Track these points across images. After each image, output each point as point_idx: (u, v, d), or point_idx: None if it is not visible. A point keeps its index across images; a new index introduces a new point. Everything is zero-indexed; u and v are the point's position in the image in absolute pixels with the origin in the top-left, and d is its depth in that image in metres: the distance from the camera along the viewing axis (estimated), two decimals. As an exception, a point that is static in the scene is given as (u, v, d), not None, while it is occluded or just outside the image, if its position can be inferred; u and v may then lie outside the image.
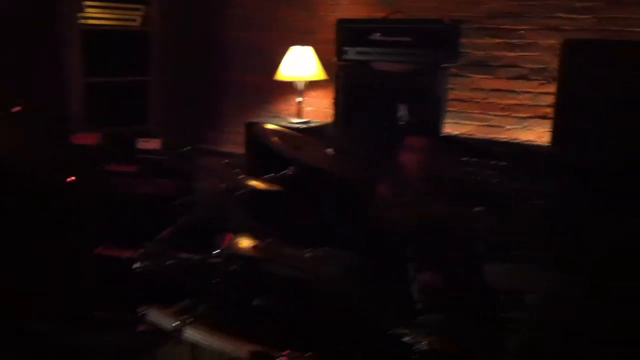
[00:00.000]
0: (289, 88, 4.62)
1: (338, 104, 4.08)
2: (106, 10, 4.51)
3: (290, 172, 2.94)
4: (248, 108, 5.03)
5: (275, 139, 3.00)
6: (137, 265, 2.58)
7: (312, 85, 4.55)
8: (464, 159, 3.61)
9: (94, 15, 4.45)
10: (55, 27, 4.34)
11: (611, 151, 3.05)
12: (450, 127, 4.08)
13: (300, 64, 4.35)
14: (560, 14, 3.76)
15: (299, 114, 4.46)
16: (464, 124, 4.12)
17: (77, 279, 3.73)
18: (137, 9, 4.68)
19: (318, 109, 4.69)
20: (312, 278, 2.68)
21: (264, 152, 3.08)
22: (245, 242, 2.90)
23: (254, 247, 2.86)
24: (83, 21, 4.37)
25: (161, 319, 2.48)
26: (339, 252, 2.92)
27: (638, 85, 2.99)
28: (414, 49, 3.82)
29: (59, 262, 3.63)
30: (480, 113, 4.08)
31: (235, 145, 5.00)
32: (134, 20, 4.67)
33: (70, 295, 3.66)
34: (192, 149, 4.23)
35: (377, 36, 3.95)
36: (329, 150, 3.28)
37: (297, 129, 3.89)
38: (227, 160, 2.87)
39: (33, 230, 3.60)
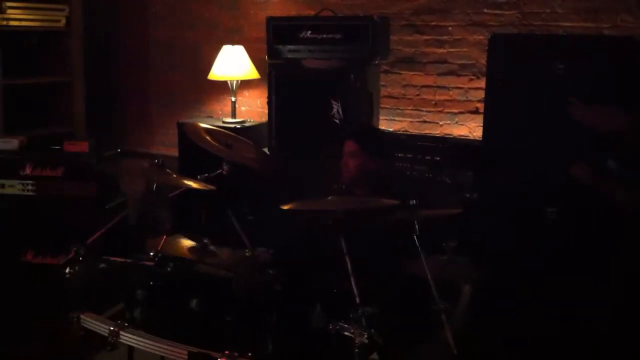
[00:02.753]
0: (222, 87, 4.56)
1: (271, 103, 4.05)
2: (29, 11, 4.36)
3: (224, 172, 2.89)
4: (178, 109, 4.96)
5: (207, 137, 2.95)
6: (67, 271, 2.49)
7: (245, 84, 4.51)
8: (398, 155, 3.66)
9: (16, 17, 4.29)
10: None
11: (537, 143, 3.12)
12: (385, 124, 4.11)
13: (232, 63, 4.30)
14: (486, 10, 3.84)
15: (233, 114, 4.41)
16: (398, 120, 4.16)
17: (6, 288, 3.59)
18: (60, 10, 4.54)
19: (252, 109, 4.65)
20: (245, 278, 2.65)
21: (197, 152, 3.02)
22: (179, 244, 2.84)
23: (189, 249, 2.81)
24: (4, 22, 4.22)
25: (97, 324, 2.40)
26: (273, 252, 2.90)
27: (561, 77, 3.07)
28: (344, 46, 3.84)
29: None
30: (413, 109, 4.13)
31: (165, 146, 4.93)
32: (58, 21, 4.53)
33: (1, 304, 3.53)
34: (120, 151, 4.13)
35: (307, 34, 3.94)
36: (263, 149, 3.26)
37: (232, 129, 3.84)
38: (157, 161, 2.79)
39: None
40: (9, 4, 4.23)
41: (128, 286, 2.63)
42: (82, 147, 3.62)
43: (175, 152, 4.43)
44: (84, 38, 4.68)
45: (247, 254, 2.79)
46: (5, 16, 4.23)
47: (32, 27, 4.41)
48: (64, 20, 4.55)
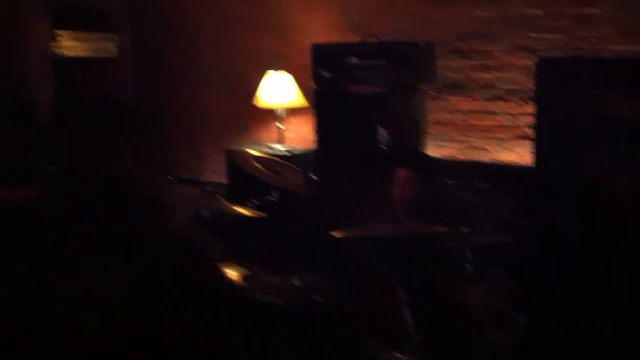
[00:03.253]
0: (268, 114, 4.60)
1: (318, 130, 4.07)
2: (80, 41, 4.49)
3: (273, 199, 2.92)
4: (226, 135, 5.00)
5: (257, 165, 2.99)
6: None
7: (293, 111, 4.54)
8: (446, 181, 3.63)
9: (68, 45, 4.43)
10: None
11: (591, 169, 3.07)
12: (431, 150, 4.09)
13: (278, 89, 4.34)
14: (532, 34, 3.81)
15: (280, 141, 4.43)
16: (445, 146, 4.13)
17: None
18: (111, 39, 4.67)
19: (300, 136, 4.66)
20: (298, 306, 2.65)
21: (245, 179, 3.06)
22: (231, 270, 2.86)
23: (239, 276, 2.82)
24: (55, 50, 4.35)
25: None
26: (323, 279, 2.90)
27: (609, 101, 3.02)
28: (390, 72, 3.84)
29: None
30: (461, 135, 4.10)
31: (213, 173, 4.96)
32: (109, 50, 4.65)
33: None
34: (170, 179, 4.18)
35: (353, 60, 3.96)
36: (311, 177, 3.28)
37: (280, 156, 3.87)
38: (207, 188, 2.83)
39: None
40: (60, 32, 4.37)
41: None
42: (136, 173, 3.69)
43: (223, 179, 4.48)
44: (134, 66, 4.80)
45: (296, 281, 2.80)
46: (59, 45, 4.36)
47: (84, 56, 4.54)
48: (114, 49, 4.68)
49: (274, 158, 3.14)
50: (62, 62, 4.41)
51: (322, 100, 4.06)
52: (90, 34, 4.57)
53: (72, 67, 4.53)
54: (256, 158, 3.05)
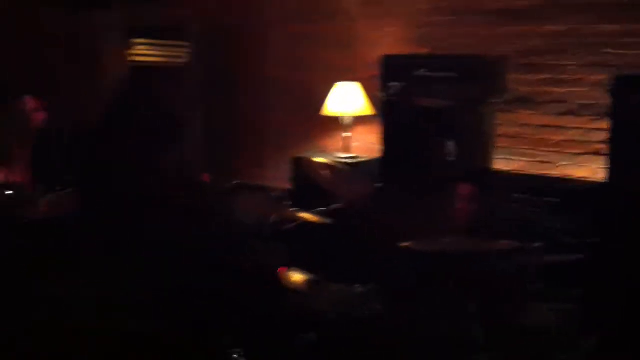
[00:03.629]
0: (333, 124, 4.62)
1: (384, 140, 4.07)
2: (154, 48, 4.63)
3: (340, 206, 2.93)
4: (290, 144, 5.04)
5: (325, 172, 3.00)
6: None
7: (358, 120, 4.55)
8: (514, 195, 3.57)
9: (142, 53, 4.57)
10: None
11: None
12: (500, 164, 4.02)
13: (346, 99, 4.36)
14: (610, 50, 3.72)
15: (345, 149, 4.45)
16: (514, 160, 4.06)
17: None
18: (183, 47, 4.79)
19: (364, 145, 4.67)
20: (360, 315, 2.65)
21: (311, 186, 3.07)
22: (295, 277, 2.88)
23: (304, 282, 2.84)
24: (131, 58, 4.50)
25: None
26: (387, 290, 2.88)
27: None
28: (458, 85, 3.80)
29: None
30: (530, 149, 4.02)
31: (277, 180, 5.01)
32: (180, 57, 4.77)
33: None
34: (236, 184, 4.23)
35: (422, 72, 3.94)
36: (376, 186, 3.27)
37: (345, 164, 3.87)
38: (275, 194, 2.86)
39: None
40: (137, 40, 4.52)
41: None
42: (204, 178, 3.75)
43: (287, 186, 4.51)
44: (204, 75, 4.90)
45: (359, 290, 2.80)
46: (134, 53, 4.51)
47: (156, 62, 4.67)
48: (185, 57, 4.79)
49: (340, 166, 3.14)
50: (136, 69, 4.55)
51: (390, 111, 4.05)
52: (163, 42, 4.70)
53: (144, 74, 4.66)
54: (323, 166, 3.06)
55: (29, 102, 3.56)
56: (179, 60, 4.79)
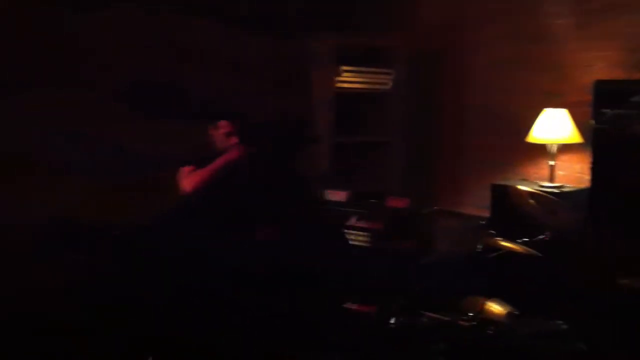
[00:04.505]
0: (537, 150, 4.47)
1: (593, 169, 3.86)
2: (360, 75, 4.80)
3: (547, 238, 2.82)
4: (489, 171, 4.95)
5: (531, 202, 2.92)
6: (392, 321, 2.61)
7: (563, 148, 4.36)
8: None
9: (349, 79, 4.76)
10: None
11: None
12: None
13: (553, 126, 4.20)
14: None
15: (550, 178, 4.27)
16: None
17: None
18: (387, 74, 4.91)
19: (570, 173, 4.46)
20: (563, 354, 2.53)
21: (512, 215, 3.00)
22: (495, 308, 2.82)
23: (505, 314, 2.77)
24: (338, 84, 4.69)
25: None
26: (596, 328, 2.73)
27: None
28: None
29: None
30: None
31: (474, 207, 4.93)
32: (385, 84, 4.89)
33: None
34: (436, 210, 4.24)
35: (638, 99, 3.70)
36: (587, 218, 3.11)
37: (550, 193, 3.72)
38: (480, 222, 2.83)
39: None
40: (345, 67, 4.71)
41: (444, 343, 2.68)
42: (403, 203, 3.81)
43: (485, 213, 4.42)
44: (406, 101, 4.99)
45: (563, 326, 2.68)
46: (341, 79, 4.71)
47: (361, 89, 4.84)
48: (390, 84, 4.91)
49: (548, 196, 3.03)
50: (341, 96, 4.74)
51: (601, 138, 3.83)
52: (368, 69, 4.86)
53: (349, 100, 4.84)
54: (531, 195, 2.97)
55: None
56: (384, 87, 4.91)
